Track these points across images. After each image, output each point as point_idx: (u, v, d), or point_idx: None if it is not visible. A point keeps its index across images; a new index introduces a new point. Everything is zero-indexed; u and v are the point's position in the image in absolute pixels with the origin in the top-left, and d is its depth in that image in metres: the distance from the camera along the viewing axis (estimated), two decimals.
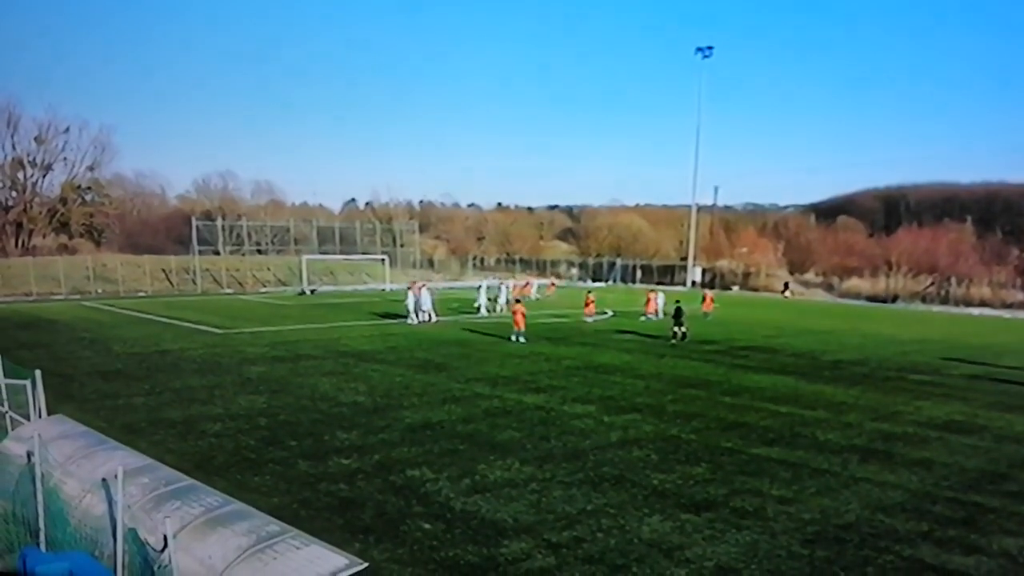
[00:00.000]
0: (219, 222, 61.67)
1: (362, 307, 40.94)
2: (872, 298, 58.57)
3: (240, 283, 56.49)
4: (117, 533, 6.11)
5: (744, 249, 74.03)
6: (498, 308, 38.75)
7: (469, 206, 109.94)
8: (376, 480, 11.19)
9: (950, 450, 13.58)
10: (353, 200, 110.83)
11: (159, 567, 5.62)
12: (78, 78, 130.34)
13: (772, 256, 73.08)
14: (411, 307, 32.88)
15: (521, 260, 79.26)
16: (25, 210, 67.14)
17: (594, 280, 71.51)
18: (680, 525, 9.59)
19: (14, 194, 68.36)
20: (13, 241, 65.71)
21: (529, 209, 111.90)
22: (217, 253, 59.01)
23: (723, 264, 71.87)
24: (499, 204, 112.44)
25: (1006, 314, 49.04)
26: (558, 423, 14.94)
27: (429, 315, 33.20)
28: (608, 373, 20.88)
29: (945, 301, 55.67)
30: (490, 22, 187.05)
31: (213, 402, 16.38)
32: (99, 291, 49.43)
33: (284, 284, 57.47)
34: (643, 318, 36.02)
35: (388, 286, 55.23)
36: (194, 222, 57.45)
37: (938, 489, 11.33)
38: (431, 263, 75.04)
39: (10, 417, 10.13)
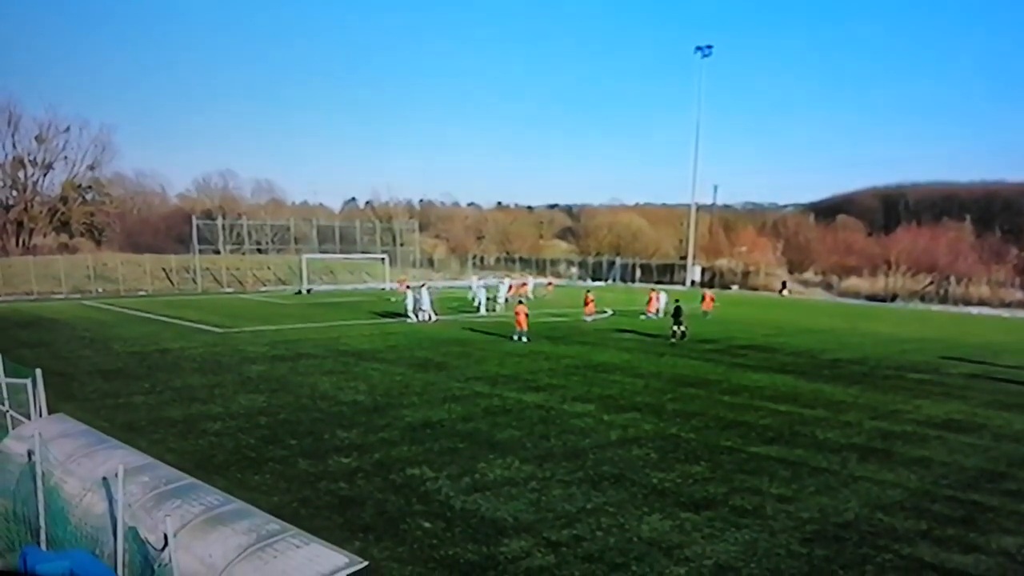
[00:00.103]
0: (219, 221, 61.65)
1: (362, 306, 40.95)
2: (871, 297, 58.58)
3: (240, 282, 56.50)
4: (118, 531, 6.13)
5: (743, 248, 73.99)
6: (497, 307, 38.82)
7: (469, 205, 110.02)
8: (376, 479, 11.21)
9: (949, 449, 13.61)
10: (353, 199, 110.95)
11: (159, 565, 5.64)
12: (78, 77, 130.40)
13: (771, 255, 73.03)
14: (410, 306, 32.92)
15: (521, 259, 79.25)
16: (26, 209, 67.16)
17: (593, 279, 71.52)
18: (679, 524, 9.62)
19: (15, 193, 68.39)
20: (14, 240, 65.72)
21: (529, 208, 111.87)
22: (217, 252, 59.01)
23: (722, 263, 71.83)
24: (499, 203, 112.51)
25: (1005, 313, 49.06)
26: (558, 422, 14.96)
27: (428, 314, 33.22)
28: (608, 372, 20.90)
29: (944, 300, 55.68)
30: (490, 22, 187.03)
31: (213, 401, 16.40)
32: (99, 290, 49.45)
33: (284, 283, 57.49)
34: (643, 316, 36.04)
35: (388, 285, 55.24)
36: (194, 221, 57.44)
37: (937, 488, 11.36)
38: (431, 262, 75.01)
39: (11, 416, 10.14)
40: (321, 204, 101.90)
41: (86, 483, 6.94)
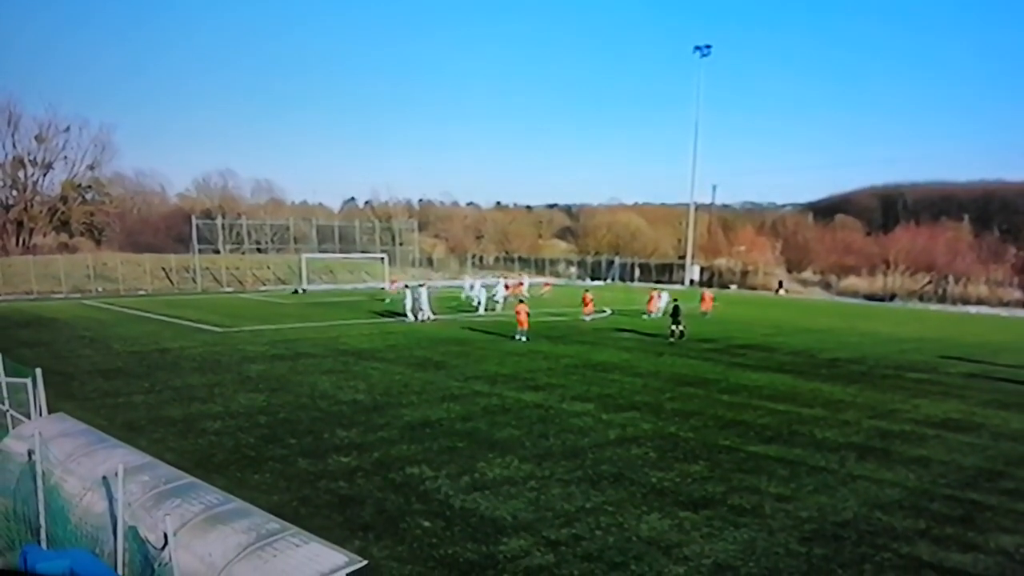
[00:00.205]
0: (219, 221, 61.61)
1: (361, 306, 40.95)
2: (870, 296, 58.63)
3: (240, 281, 56.49)
4: (117, 531, 6.14)
5: (742, 248, 73.99)
6: (496, 306, 38.85)
7: (468, 205, 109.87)
8: (376, 478, 11.22)
9: (947, 448, 13.64)
10: (352, 199, 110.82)
11: (159, 564, 5.65)
12: (78, 77, 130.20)
13: (770, 255, 73.03)
14: (409, 306, 32.92)
15: (520, 259, 79.24)
16: (26, 209, 67.11)
17: (592, 279, 71.54)
18: (678, 523, 9.64)
19: (15, 193, 68.34)
20: (14, 240, 65.67)
21: (528, 208, 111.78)
22: (217, 252, 58.99)
23: (721, 263, 71.86)
24: (498, 203, 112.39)
25: (1003, 312, 49.11)
26: (557, 421, 14.98)
27: (427, 314, 33.21)
28: (606, 371, 20.92)
29: (942, 299, 55.73)
30: (489, 21, 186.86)
31: (213, 400, 16.41)
32: (99, 289, 49.42)
33: (284, 283, 57.47)
34: (646, 316, 36.05)
35: (387, 285, 55.23)
36: (194, 221, 57.42)
37: (935, 487, 11.39)
38: (430, 262, 74.98)
39: (11, 415, 10.15)
40: (320, 204, 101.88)
41: (86, 482, 6.95)
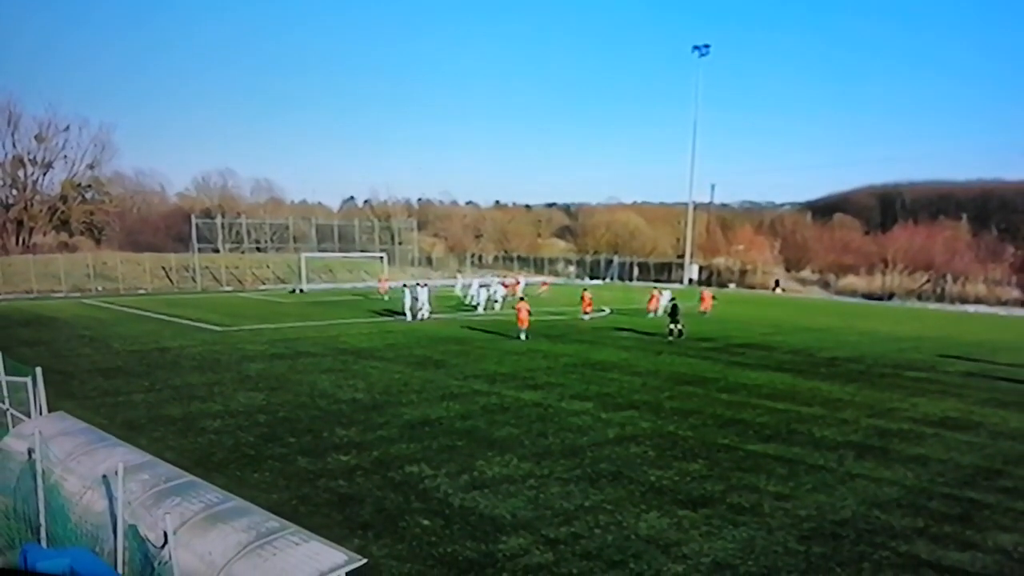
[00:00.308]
0: (219, 220, 61.59)
1: (360, 305, 40.96)
2: (868, 295, 58.68)
3: (239, 281, 56.49)
4: (117, 529, 6.16)
5: (741, 247, 74.02)
6: (496, 306, 38.88)
7: (467, 204, 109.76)
8: (375, 476, 11.24)
9: (946, 446, 13.66)
10: (352, 198, 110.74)
11: (159, 563, 5.66)
12: (78, 77, 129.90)
13: (768, 254, 73.10)
14: (408, 305, 32.92)
15: (519, 258, 79.26)
16: (26, 208, 67.08)
17: (591, 278, 71.57)
18: (677, 521, 9.66)
19: (15, 192, 68.30)
20: (14, 239, 65.66)
21: (527, 207, 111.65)
22: (216, 251, 58.99)
23: (720, 262, 71.91)
24: (497, 202, 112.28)
25: (1001, 311, 49.16)
26: (556, 420, 15.00)
27: (423, 313, 33.18)
28: (605, 370, 20.94)
29: (941, 298, 55.78)
30: (488, 21, 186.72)
31: (213, 399, 16.42)
32: (99, 289, 49.41)
33: (283, 282, 57.48)
34: (651, 314, 36.03)
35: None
36: (194, 220, 57.42)
37: (934, 485, 11.41)
38: (429, 261, 74.97)
39: (11, 414, 10.16)
40: (320, 203, 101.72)
41: (86, 481, 6.97)
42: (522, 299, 29.97)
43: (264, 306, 40.58)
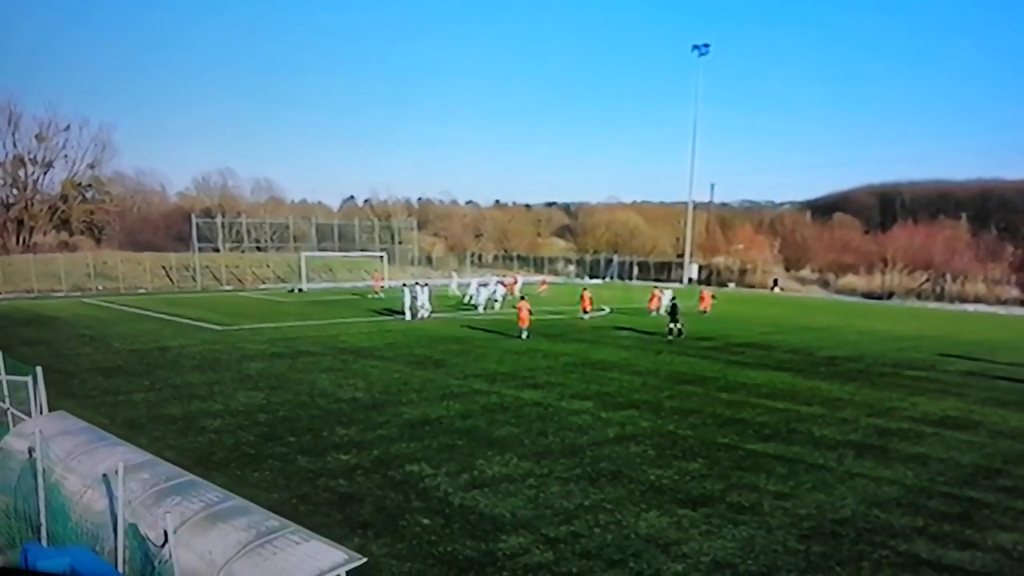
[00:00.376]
0: (219, 219, 61.56)
1: (360, 304, 40.97)
2: (868, 295, 58.69)
3: (240, 280, 56.49)
4: (118, 528, 6.16)
5: (740, 246, 74.03)
6: (496, 305, 38.91)
7: (467, 203, 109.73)
8: (375, 475, 11.25)
9: (945, 446, 13.67)
10: (352, 197, 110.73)
11: (159, 562, 5.67)
12: (78, 76, 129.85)
13: (768, 253, 73.14)
14: (407, 304, 32.93)
15: (519, 257, 79.27)
16: (26, 207, 67.08)
17: (591, 277, 71.57)
18: (677, 520, 9.66)
19: (15, 191, 68.30)
20: (14, 238, 65.67)
21: (527, 206, 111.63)
22: (217, 250, 58.98)
23: (719, 261, 71.93)
24: (497, 201, 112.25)
25: (1001, 310, 49.18)
26: (556, 419, 15.00)
27: (418, 312, 33.16)
28: (605, 369, 20.95)
29: (940, 298, 55.79)
30: (488, 20, 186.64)
31: (213, 398, 16.43)
32: (99, 288, 49.41)
33: (283, 281, 57.49)
34: (653, 313, 36.03)
35: (386, 283, 55.24)
36: (194, 219, 57.37)
37: (933, 484, 11.42)
38: (429, 260, 74.96)
39: (11, 413, 10.16)
40: (320, 202, 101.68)
41: (86, 480, 6.98)
42: (523, 298, 29.97)
43: (264, 305, 40.58)
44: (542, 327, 30.11)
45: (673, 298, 31.09)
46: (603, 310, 38.64)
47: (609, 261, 74.36)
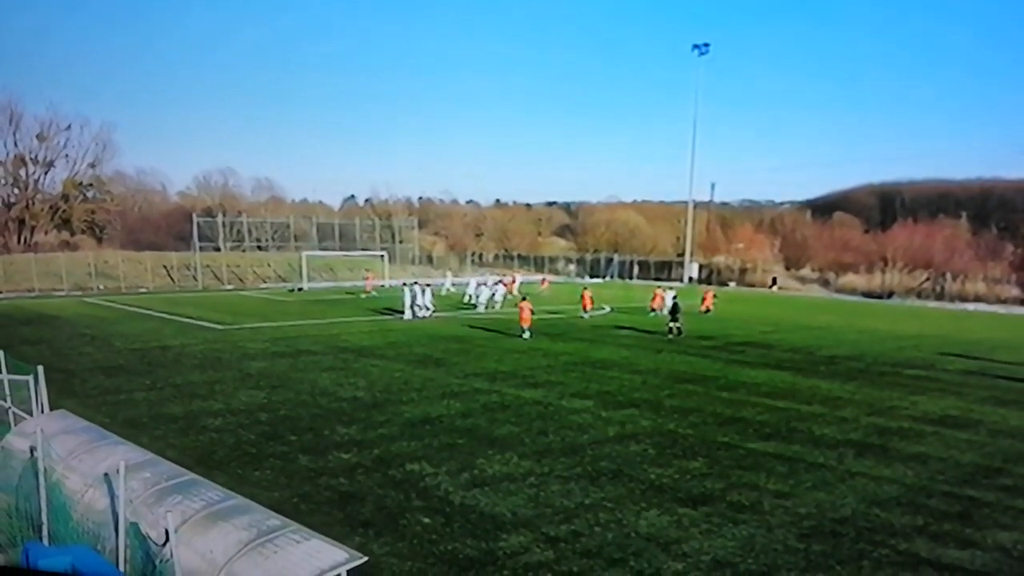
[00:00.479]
0: (220, 219, 61.62)
1: (360, 303, 40.99)
2: (868, 294, 58.70)
3: (240, 279, 56.54)
4: (119, 527, 6.18)
5: (740, 245, 74.04)
6: (496, 305, 38.94)
7: (468, 203, 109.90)
8: (376, 474, 11.26)
9: (945, 445, 13.68)
10: (352, 197, 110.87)
11: (161, 561, 5.69)
12: (79, 76, 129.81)
13: (768, 252, 73.17)
14: (407, 303, 32.94)
15: (519, 256, 79.29)
16: (27, 207, 67.15)
17: (591, 276, 71.58)
18: (677, 519, 9.67)
19: (16, 191, 68.38)
20: (15, 237, 65.75)
21: (527, 205, 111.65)
22: (218, 249, 59.05)
23: (720, 260, 71.96)
24: (497, 201, 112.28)
25: (1001, 310, 49.18)
26: (556, 418, 15.02)
27: (415, 312, 33.18)
28: (606, 368, 20.96)
29: (940, 297, 55.80)
30: (488, 19, 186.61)
31: (214, 397, 16.45)
32: (101, 287, 49.46)
33: (284, 280, 57.54)
34: (652, 313, 36.04)
35: (386, 283, 55.29)
36: (195, 219, 57.42)
37: (933, 483, 11.42)
38: (430, 259, 75.00)
39: (13, 412, 10.18)
40: (321, 202, 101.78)
41: (88, 479, 6.99)
42: (524, 298, 29.98)
43: (265, 304, 40.60)
44: (543, 326, 30.11)
45: (674, 297, 31.10)
46: (603, 309, 38.64)
47: (609, 260, 74.38)
